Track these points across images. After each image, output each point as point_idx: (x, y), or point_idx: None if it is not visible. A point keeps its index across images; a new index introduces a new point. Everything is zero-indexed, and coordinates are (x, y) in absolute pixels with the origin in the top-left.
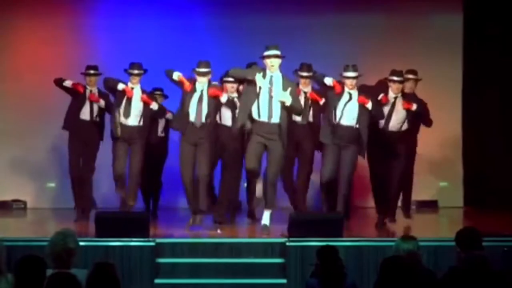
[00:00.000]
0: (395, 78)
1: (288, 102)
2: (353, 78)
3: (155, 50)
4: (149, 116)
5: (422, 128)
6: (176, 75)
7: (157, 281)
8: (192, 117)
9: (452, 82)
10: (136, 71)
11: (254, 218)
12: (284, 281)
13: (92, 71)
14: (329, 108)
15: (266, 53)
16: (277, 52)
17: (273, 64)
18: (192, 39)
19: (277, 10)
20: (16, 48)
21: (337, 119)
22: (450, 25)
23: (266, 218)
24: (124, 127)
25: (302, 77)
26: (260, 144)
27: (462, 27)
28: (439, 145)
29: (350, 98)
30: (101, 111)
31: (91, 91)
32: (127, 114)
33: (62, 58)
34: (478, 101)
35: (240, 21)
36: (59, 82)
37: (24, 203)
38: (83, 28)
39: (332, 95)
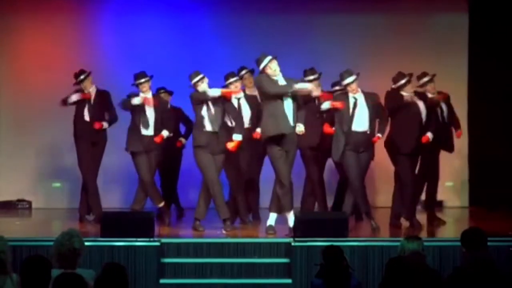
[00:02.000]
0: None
1: (309, 86)
2: (353, 82)
3: (160, 50)
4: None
5: None
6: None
7: (162, 281)
8: (208, 127)
9: (458, 82)
10: (143, 79)
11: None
12: (289, 281)
13: (82, 77)
14: (338, 119)
15: (265, 62)
16: (271, 56)
17: (275, 68)
18: (197, 38)
19: (279, 10)
20: (21, 47)
21: (348, 127)
22: (455, 25)
23: (272, 219)
24: (144, 137)
25: (310, 81)
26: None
27: (468, 26)
28: None
29: (356, 103)
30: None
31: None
32: (146, 125)
33: (66, 57)
34: (484, 101)
35: (243, 21)
36: (64, 103)
37: (29, 203)
38: (87, 27)
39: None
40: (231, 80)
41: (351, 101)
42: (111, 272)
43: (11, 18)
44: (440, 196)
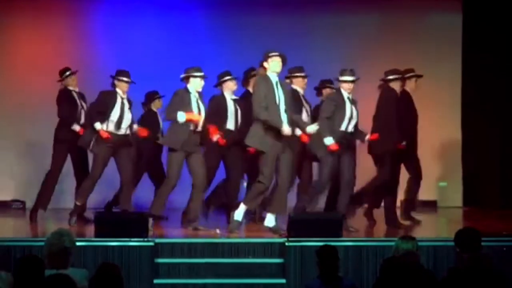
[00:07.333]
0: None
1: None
2: (351, 82)
3: (154, 49)
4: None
5: (421, 128)
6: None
7: (156, 281)
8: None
9: (452, 82)
10: (126, 79)
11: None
12: (283, 281)
13: (67, 73)
14: (335, 116)
15: (273, 53)
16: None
17: (280, 66)
18: (192, 39)
19: (275, 10)
20: (11, 46)
21: (345, 127)
22: (449, 25)
23: (272, 219)
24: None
25: (297, 77)
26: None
27: (462, 27)
28: (438, 144)
29: (351, 103)
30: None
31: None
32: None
33: (61, 56)
34: (478, 101)
35: (238, 21)
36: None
37: (23, 203)
38: (82, 27)
39: (333, 103)
40: (226, 78)
41: (347, 102)
42: (106, 272)
43: (2, 17)
44: (433, 196)
